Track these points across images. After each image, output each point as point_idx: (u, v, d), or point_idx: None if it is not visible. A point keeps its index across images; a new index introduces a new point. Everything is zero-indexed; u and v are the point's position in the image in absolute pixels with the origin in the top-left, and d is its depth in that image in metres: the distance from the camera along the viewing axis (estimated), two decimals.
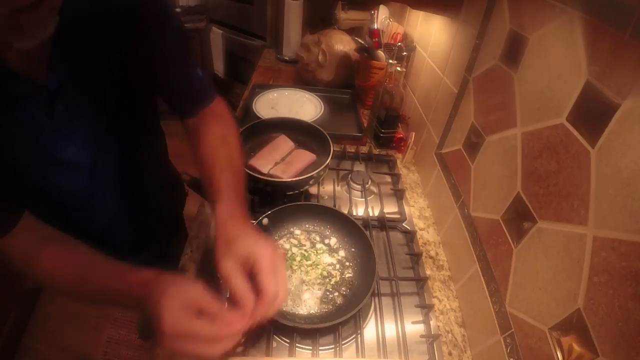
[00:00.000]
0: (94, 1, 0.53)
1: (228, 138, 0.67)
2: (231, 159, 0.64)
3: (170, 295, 0.45)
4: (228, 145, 0.66)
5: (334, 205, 0.90)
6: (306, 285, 0.72)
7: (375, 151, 1.13)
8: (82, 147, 0.60)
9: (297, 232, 0.82)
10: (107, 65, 0.57)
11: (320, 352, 0.65)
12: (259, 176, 0.85)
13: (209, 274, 0.73)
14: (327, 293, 0.71)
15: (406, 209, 0.95)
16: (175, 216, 1.00)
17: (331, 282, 0.73)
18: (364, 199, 0.95)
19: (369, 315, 0.71)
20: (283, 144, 1.00)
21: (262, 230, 0.77)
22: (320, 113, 1.22)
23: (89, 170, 0.63)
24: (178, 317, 0.44)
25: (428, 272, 0.81)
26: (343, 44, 1.41)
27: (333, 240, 0.80)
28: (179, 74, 0.66)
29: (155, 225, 0.87)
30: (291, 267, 0.75)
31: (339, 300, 0.70)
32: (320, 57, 1.39)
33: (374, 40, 1.26)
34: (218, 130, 0.67)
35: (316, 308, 0.69)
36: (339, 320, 0.63)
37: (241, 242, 0.50)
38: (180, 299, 0.45)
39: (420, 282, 0.77)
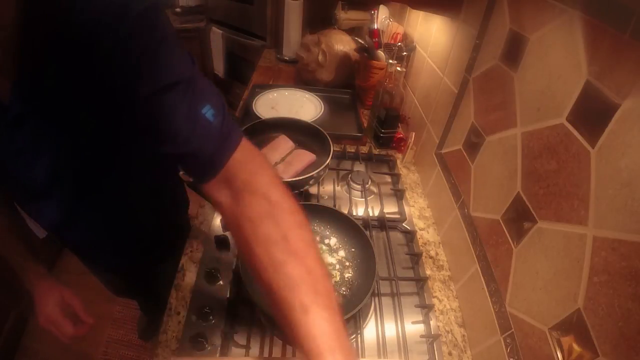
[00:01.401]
0: (64, 21, 0.41)
1: (291, 238, 0.43)
2: (312, 280, 0.42)
3: (53, 292, 0.75)
4: (296, 254, 0.43)
5: (334, 205, 0.90)
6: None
7: (375, 151, 1.13)
8: (47, 170, 0.56)
9: None
10: (83, 88, 0.47)
11: None
12: None
13: (209, 274, 0.73)
14: None
15: (406, 209, 0.95)
16: (169, 239, 0.91)
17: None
18: (364, 199, 0.95)
19: (369, 315, 0.71)
20: (283, 144, 1.00)
21: None
22: (320, 113, 1.22)
23: (54, 194, 0.60)
24: (53, 309, 0.74)
25: (428, 272, 0.81)
26: (343, 44, 1.41)
27: (333, 240, 0.80)
28: (176, 120, 0.44)
29: (141, 244, 0.83)
30: None
31: (339, 300, 0.70)
32: (320, 57, 1.39)
33: (374, 40, 1.26)
34: (270, 229, 0.43)
35: None
36: None
37: None
38: (60, 296, 0.75)
39: (420, 282, 0.77)
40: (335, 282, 0.73)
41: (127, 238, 0.79)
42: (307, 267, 0.42)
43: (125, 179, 0.66)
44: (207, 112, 0.45)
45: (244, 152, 0.47)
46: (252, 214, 0.44)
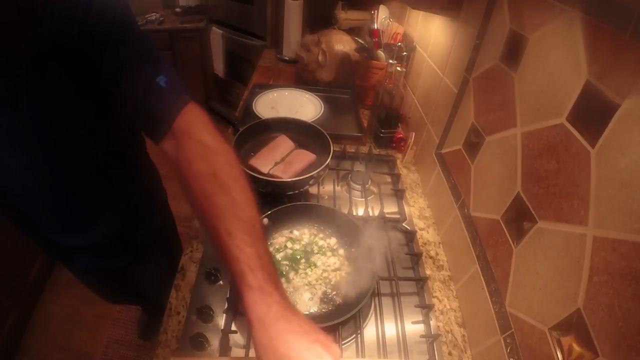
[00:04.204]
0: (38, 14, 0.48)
1: (219, 173, 0.50)
2: (236, 207, 0.48)
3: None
4: (223, 187, 0.49)
5: (334, 205, 0.90)
6: (306, 285, 0.72)
7: (375, 151, 1.13)
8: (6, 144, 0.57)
9: (297, 232, 0.82)
10: (44, 63, 0.52)
11: None
12: (259, 176, 0.85)
13: (210, 274, 0.73)
14: (327, 293, 0.71)
15: (406, 209, 0.95)
16: (141, 239, 0.89)
17: (331, 282, 0.73)
18: (364, 199, 0.95)
19: (369, 315, 0.71)
20: (283, 144, 1.00)
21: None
22: (320, 113, 1.22)
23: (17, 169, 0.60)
24: None
25: (428, 272, 0.81)
26: (343, 44, 1.41)
27: (333, 240, 0.80)
28: (134, 86, 0.54)
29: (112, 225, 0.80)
30: (291, 267, 0.75)
31: (339, 300, 0.70)
32: (320, 57, 1.39)
33: (374, 40, 1.26)
34: (202, 166, 0.51)
35: (316, 308, 0.69)
36: (339, 320, 0.63)
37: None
38: None
39: (420, 282, 0.77)
40: (335, 281, 0.73)
41: (92, 230, 0.76)
42: (232, 198, 0.49)
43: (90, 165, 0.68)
44: (161, 80, 0.55)
45: (188, 109, 0.56)
46: (188, 155, 0.52)
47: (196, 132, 0.54)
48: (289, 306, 0.42)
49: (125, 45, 0.53)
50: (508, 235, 0.61)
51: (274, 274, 0.44)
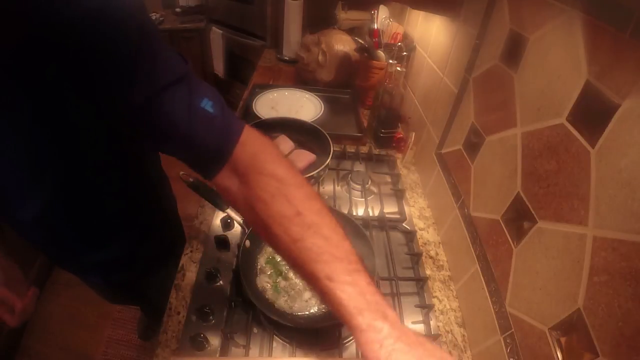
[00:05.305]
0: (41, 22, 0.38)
1: (303, 212, 0.45)
2: (330, 248, 0.44)
3: None
4: (311, 226, 0.44)
5: (334, 205, 0.90)
6: (306, 285, 0.72)
7: (375, 151, 1.13)
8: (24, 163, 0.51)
9: None
10: (70, 90, 0.45)
11: (320, 352, 0.65)
12: None
13: (209, 274, 0.73)
14: None
15: (406, 209, 0.95)
16: (150, 252, 0.84)
17: None
18: (364, 199, 0.95)
19: None
20: (283, 144, 1.00)
21: None
22: (320, 113, 1.22)
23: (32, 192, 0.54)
24: None
25: (428, 272, 0.81)
26: (343, 44, 1.41)
27: None
28: (173, 114, 0.44)
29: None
30: None
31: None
32: (320, 57, 1.39)
33: (374, 40, 1.26)
34: (283, 206, 0.45)
35: (316, 308, 0.69)
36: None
37: None
38: None
39: (420, 282, 0.77)
40: None
41: (100, 248, 0.73)
42: (324, 237, 0.44)
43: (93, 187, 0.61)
44: (206, 104, 0.46)
45: (246, 136, 0.48)
46: (262, 194, 0.45)
47: (265, 165, 0.47)
48: (401, 335, 0.40)
49: (151, 63, 0.43)
50: (508, 235, 0.61)
51: (380, 302, 0.42)
